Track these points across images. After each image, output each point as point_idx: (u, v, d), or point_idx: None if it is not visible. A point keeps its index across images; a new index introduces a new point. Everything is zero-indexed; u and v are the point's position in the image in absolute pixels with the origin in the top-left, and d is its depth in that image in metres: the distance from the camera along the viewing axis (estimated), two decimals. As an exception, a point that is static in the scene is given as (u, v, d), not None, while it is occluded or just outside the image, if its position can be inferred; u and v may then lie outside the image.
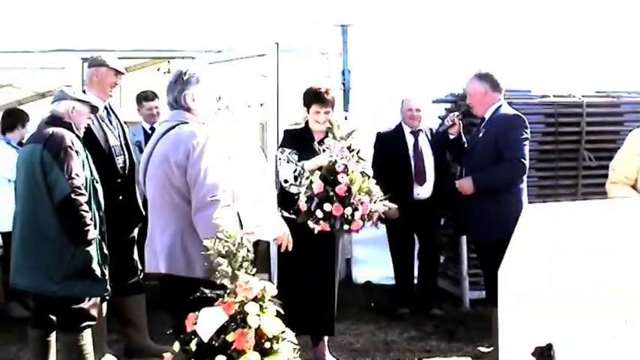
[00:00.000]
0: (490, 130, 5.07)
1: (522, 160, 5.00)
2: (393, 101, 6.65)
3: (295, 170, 4.91)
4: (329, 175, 4.65)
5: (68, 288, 4.28)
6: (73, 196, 4.22)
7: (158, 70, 11.09)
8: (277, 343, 2.79)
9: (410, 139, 6.47)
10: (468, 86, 5.32)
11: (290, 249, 4.54)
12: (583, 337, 2.88)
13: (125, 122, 5.48)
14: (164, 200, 3.40)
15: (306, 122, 5.19)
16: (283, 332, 2.83)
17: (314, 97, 5.09)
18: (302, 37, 7.26)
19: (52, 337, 4.54)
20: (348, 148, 4.72)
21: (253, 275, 2.88)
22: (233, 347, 2.67)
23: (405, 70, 7.04)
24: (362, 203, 4.59)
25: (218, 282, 2.83)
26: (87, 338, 4.42)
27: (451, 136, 5.70)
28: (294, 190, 4.89)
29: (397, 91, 6.75)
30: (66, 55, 6.70)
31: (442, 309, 6.49)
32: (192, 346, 2.73)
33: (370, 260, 7.25)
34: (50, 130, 4.42)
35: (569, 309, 2.95)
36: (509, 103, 6.08)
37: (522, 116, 5.17)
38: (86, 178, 4.38)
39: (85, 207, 4.27)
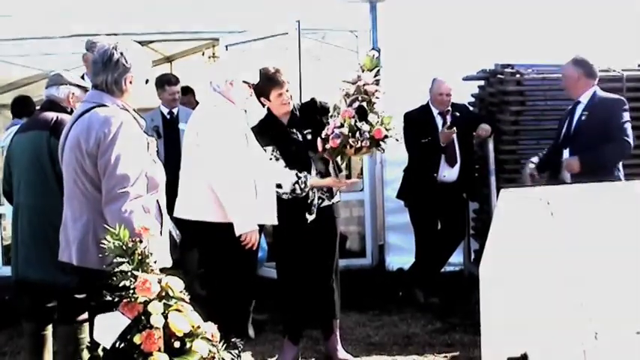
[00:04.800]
0: (593, 113, 5.24)
1: (627, 139, 5.17)
2: (424, 80, 6.31)
3: (297, 182, 4.64)
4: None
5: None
6: None
7: (203, 54, 11.05)
8: (191, 341, 2.55)
9: (439, 121, 6.23)
10: (564, 70, 5.43)
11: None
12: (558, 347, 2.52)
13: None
14: (77, 187, 3.23)
15: (268, 110, 4.82)
16: (198, 328, 2.59)
17: (270, 82, 4.68)
18: (329, 15, 6.97)
19: (49, 331, 4.39)
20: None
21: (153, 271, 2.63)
22: (140, 349, 2.47)
23: (435, 46, 6.69)
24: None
25: (119, 284, 2.62)
26: (85, 331, 4.26)
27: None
28: (284, 196, 4.66)
29: (428, 68, 6.40)
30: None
31: (439, 298, 6.25)
32: (100, 352, 2.54)
33: (404, 247, 6.91)
34: (53, 115, 4.28)
35: (545, 314, 2.60)
36: (544, 78, 6.14)
37: (623, 99, 5.33)
38: None
39: None
